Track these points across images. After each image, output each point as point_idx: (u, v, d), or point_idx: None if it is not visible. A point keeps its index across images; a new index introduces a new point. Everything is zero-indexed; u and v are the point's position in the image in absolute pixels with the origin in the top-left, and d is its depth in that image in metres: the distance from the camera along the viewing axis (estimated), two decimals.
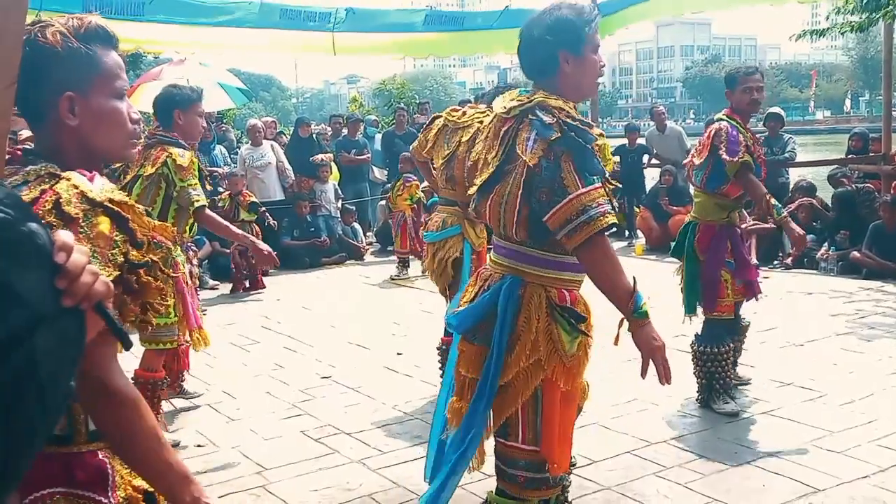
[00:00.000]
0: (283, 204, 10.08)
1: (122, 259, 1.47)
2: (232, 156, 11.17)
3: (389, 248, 11.11)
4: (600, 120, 14.45)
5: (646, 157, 11.78)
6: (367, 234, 11.66)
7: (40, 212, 1.39)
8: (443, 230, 4.80)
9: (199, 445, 4.33)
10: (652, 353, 2.47)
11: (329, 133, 12.63)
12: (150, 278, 1.55)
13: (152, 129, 4.29)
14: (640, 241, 10.87)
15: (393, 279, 9.16)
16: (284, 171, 10.26)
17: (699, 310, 4.64)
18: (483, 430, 2.55)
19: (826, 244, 8.73)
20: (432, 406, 4.82)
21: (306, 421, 4.66)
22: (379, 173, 12.00)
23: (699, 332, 4.67)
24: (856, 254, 8.23)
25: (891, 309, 6.80)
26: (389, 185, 10.15)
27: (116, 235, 1.46)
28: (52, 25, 1.54)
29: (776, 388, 4.94)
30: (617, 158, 11.72)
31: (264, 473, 3.94)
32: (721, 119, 4.57)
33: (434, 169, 4.95)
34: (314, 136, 11.90)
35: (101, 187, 1.48)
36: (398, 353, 6.01)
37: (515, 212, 2.42)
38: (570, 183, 2.32)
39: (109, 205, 1.46)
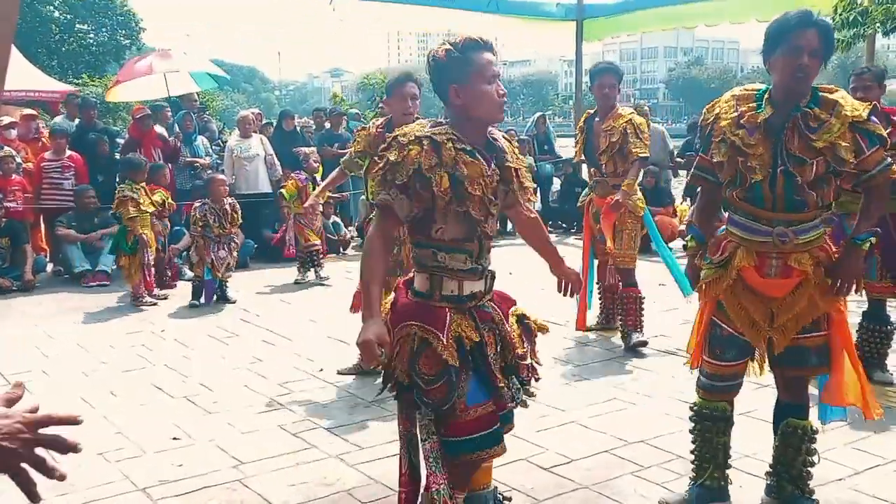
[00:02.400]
0: (268, 196, 9.99)
1: (415, 168, 2.57)
2: (213, 147, 11.07)
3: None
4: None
5: None
6: (349, 228, 11.62)
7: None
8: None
9: (174, 438, 4.29)
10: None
11: (312, 127, 12.57)
12: (436, 187, 2.57)
13: None
14: None
15: None
16: (273, 165, 10.17)
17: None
18: None
19: None
20: None
21: (284, 415, 4.63)
22: None
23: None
24: None
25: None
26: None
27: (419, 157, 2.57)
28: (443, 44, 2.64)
29: (753, 389, 4.95)
30: None
31: (241, 468, 3.91)
32: None
33: None
34: (298, 129, 11.83)
35: (430, 129, 2.63)
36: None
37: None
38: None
39: (424, 140, 2.59)
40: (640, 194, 5.92)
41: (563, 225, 12.28)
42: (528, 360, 2.87)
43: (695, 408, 3.40)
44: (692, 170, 3.32)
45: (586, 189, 6.38)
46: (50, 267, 9.33)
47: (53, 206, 9.14)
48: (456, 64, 2.59)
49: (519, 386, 2.84)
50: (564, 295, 3.10)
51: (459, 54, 2.59)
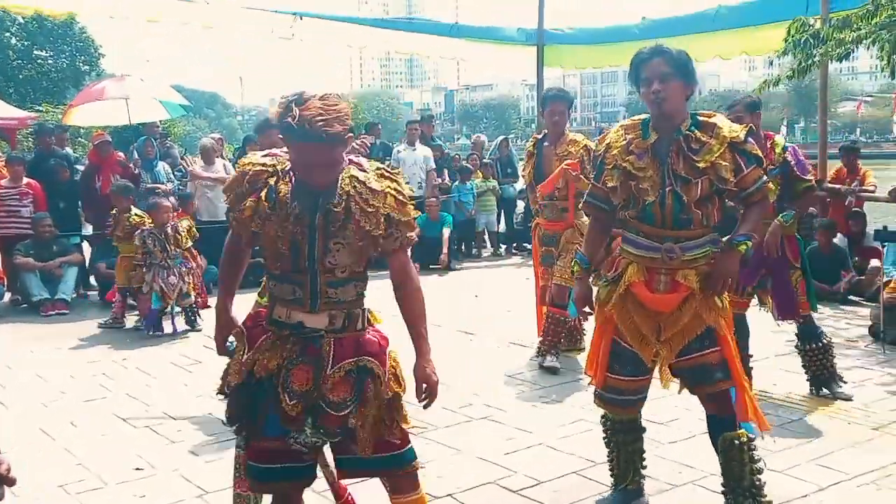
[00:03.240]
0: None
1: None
2: (175, 172, 10.98)
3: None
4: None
5: None
6: None
7: None
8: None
9: (137, 469, 4.22)
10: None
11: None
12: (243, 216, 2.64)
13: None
14: None
15: None
16: None
17: None
18: None
19: None
20: None
21: None
22: None
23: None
24: None
25: (829, 329, 6.95)
26: None
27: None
28: None
29: None
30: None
31: (206, 497, 3.85)
32: None
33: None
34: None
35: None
36: None
37: None
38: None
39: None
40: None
41: (528, 246, 12.34)
42: (350, 415, 2.59)
43: (605, 421, 3.62)
44: (585, 198, 3.56)
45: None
46: (8, 296, 9.14)
47: (11, 234, 8.97)
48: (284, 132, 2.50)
49: (317, 434, 2.60)
50: (422, 402, 2.78)
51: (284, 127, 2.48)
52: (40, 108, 23.61)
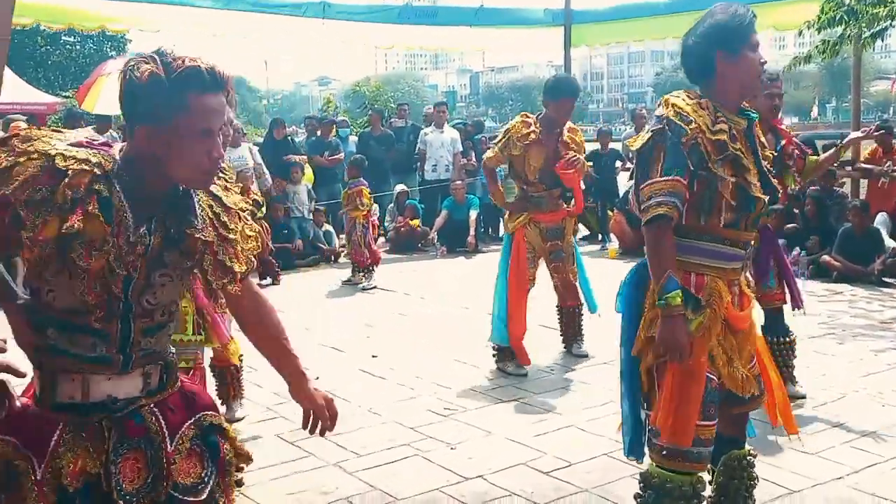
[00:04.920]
0: (258, 206, 9.97)
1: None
2: None
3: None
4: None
5: (619, 163, 11.84)
6: (341, 236, 11.60)
7: None
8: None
9: None
10: (669, 343, 2.57)
11: (305, 135, 12.60)
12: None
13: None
14: (614, 244, 10.92)
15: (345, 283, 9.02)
16: (262, 175, 10.15)
17: None
18: (629, 400, 2.84)
19: (797, 248, 8.83)
20: (408, 408, 4.81)
21: (281, 424, 4.61)
22: None
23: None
24: (826, 257, 8.33)
25: (862, 311, 6.89)
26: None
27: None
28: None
29: None
30: (590, 163, 11.80)
31: None
32: None
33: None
34: (289, 137, 11.81)
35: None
36: (373, 356, 5.97)
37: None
38: (653, 171, 2.59)
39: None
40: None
41: None
42: (213, 494, 1.92)
43: (691, 487, 2.69)
44: (655, 198, 2.58)
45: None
46: None
47: None
48: (160, 95, 1.72)
49: None
50: (311, 433, 2.09)
51: (168, 83, 1.72)
52: (67, 94, 23.84)
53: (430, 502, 3.62)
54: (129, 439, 1.84)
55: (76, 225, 1.67)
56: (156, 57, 1.73)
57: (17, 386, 1.84)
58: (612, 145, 12.01)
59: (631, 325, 2.75)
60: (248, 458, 2.08)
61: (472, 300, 7.43)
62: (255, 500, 3.62)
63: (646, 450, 2.83)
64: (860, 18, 8.49)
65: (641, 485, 2.76)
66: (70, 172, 1.69)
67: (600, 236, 11.48)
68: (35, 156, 1.70)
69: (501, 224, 12.12)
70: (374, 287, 8.71)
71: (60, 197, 1.67)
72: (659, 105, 2.68)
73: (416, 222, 11.28)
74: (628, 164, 11.78)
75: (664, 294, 2.53)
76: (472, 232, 10.85)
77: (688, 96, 2.66)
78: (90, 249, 1.70)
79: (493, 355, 5.57)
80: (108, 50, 33.94)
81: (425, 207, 11.74)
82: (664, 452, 2.67)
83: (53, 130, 1.81)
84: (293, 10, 12.17)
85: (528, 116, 5.62)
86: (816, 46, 9.37)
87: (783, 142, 4.50)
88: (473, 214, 10.98)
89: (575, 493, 3.62)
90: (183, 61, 1.73)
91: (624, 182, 12.02)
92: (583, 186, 6.03)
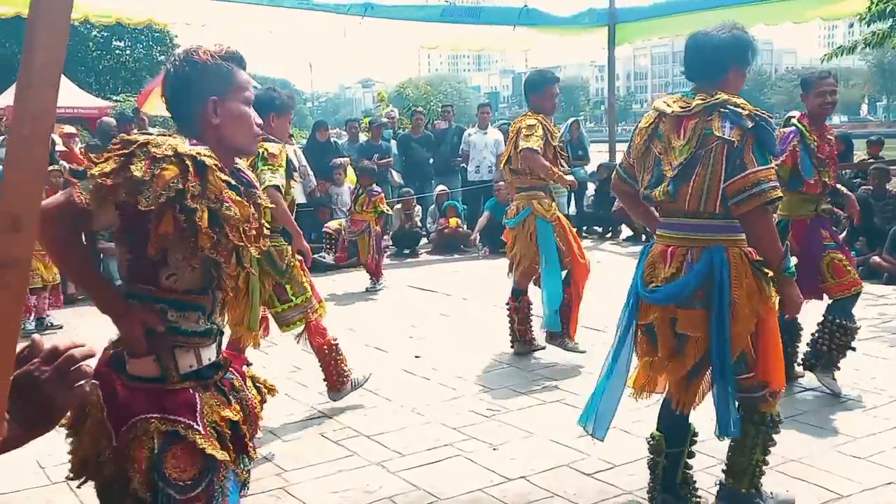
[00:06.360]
0: (304, 207, 10.06)
1: (172, 196, 1.87)
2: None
3: (406, 251, 11.13)
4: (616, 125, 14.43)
5: None
6: (385, 237, 11.65)
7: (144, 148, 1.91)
8: (517, 215, 5.74)
9: None
10: (793, 306, 3.18)
11: (347, 138, 12.64)
12: (200, 223, 1.90)
13: None
14: None
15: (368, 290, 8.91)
16: (307, 176, 10.24)
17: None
18: (729, 368, 3.12)
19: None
20: (451, 408, 4.82)
21: (325, 423, 4.66)
22: (397, 177, 11.94)
23: (834, 308, 4.82)
24: (876, 258, 8.16)
25: None
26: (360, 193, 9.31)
27: (175, 182, 1.88)
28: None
29: (799, 392, 4.91)
30: None
31: (284, 475, 3.94)
32: (792, 122, 4.72)
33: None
34: (332, 140, 11.89)
35: (192, 148, 1.97)
36: (416, 356, 6.00)
37: (720, 187, 3.00)
38: (748, 161, 2.96)
39: (187, 159, 1.92)
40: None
41: (598, 229, 12.23)
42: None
43: (776, 419, 3.32)
44: (771, 182, 3.00)
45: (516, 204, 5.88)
46: None
47: None
48: (218, 73, 2.08)
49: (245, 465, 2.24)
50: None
51: (223, 62, 2.10)
52: (118, 98, 24.30)
53: (473, 503, 3.63)
54: (233, 391, 2.19)
55: (233, 209, 1.97)
56: (195, 47, 2.09)
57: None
58: None
59: (722, 311, 3.02)
60: (273, 390, 2.40)
61: None
62: (300, 499, 3.67)
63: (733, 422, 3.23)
64: None
65: (761, 422, 3.26)
66: (210, 166, 1.96)
67: (644, 237, 11.37)
68: (175, 158, 1.92)
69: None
70: (382, 287, 8.78)
71: (212, 187, 1.95)
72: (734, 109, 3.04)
73: (455, 221, 11.21)
74: None
75: (789, 265, 3.09)
76: None
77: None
78: (237, 228, 1.99)
79: (548, 340, 5.82)
80: (157, 55, 34.57)
81: (468, 209, 11.74)
82: (773, 395, 3.23)
83: (160, 135, 2.04)
84: (337, 8, 12.25)
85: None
86: (865, 38, 9.19)
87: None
88: None
89: (618, 496, 3.60)
90: (220, 47, 2.10)
91: None
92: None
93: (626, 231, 11.87)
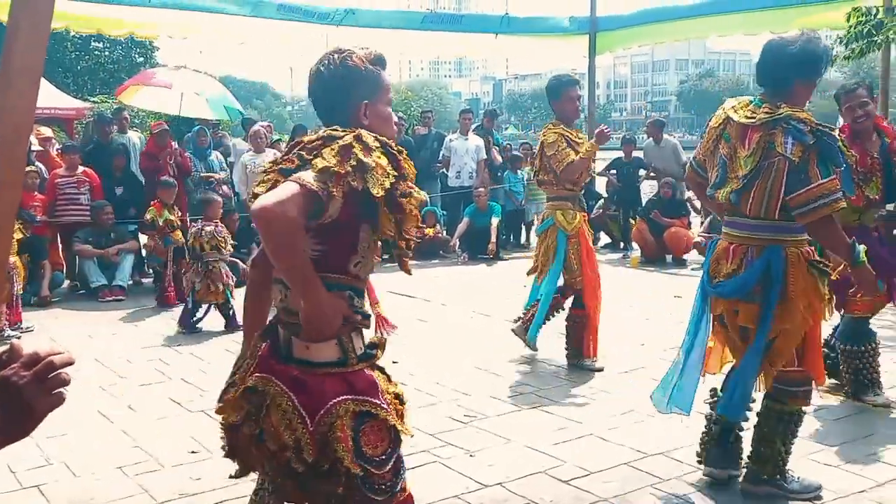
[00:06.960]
0: None
1: (390, 184, 2.01)
2: (229, 161, 11.14)
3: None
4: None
5: (642, 171, 11.81)
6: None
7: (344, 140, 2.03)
8: (543, 223, 5.88)
9: (192, 452, 4.30)
10: (868, 285, 3.48)
11: None
12: (411, 206, 2.08)
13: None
14: (636, 253, 10.89)
15: None
16: None
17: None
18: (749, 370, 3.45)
19: None
20: (428, 414, 4.81)
21: None
22: None
23: (840, 330, 4.85)
24: None
25: None
26: None
27: (390, 169, 2.03)
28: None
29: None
30: (613, 171, 11.79)
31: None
32: None
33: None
34: None
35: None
36: (394, 362, 5.97)
37: (780, 196, 3.21)
38: (812, 176, 3.18)
39: (389, 147, 2.07)
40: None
41: None
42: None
43: (801, 414, 3.57)
44: (837, 193, 3.22)
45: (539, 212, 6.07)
46: (67, 282, 9.38)
47: (69, 222, 9.18)
48: (370, 78, 2.24)
49: None
50: None
51: (372, 67, 2.25)
52: (95, 100, 24.10)
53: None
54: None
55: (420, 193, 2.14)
56: (348, 51, 2.22)
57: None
58: (635, 153, 11.98)
59: (771, 305, 3.29)
60: None
61: (494, 307, 7.43)
62: None
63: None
64: (887, 28, 8.42)
65: (787, 414, 3.49)
66: (400, 154, 2.11)
67: (622, 245, 11.45)
68: (381, 147, 2.06)
69: (523, 231, 12.24)
70: None
71: (408, 172, 2.11)
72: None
73: (431, 231, 11.00)
74: (651, 173, 11.76)
75: (860, 255, 3.31)
76: (492, 239, 10.86)
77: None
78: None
79: (568, 359, 5.79)
80: (136, 56, 34.32)
81: (448, 214, 11.74)
82: (806, 395, 3.49)
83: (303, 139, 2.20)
84: (320, 18, 12.22)
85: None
86: (846, 56, 9.31)
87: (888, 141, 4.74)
88: (495, 222, 10.98)
89: (594, 503, 3.61)
90: (368, 52, 2.24)
91: (646, 191, 12.01)
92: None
93: (604, 238, 11.92)
